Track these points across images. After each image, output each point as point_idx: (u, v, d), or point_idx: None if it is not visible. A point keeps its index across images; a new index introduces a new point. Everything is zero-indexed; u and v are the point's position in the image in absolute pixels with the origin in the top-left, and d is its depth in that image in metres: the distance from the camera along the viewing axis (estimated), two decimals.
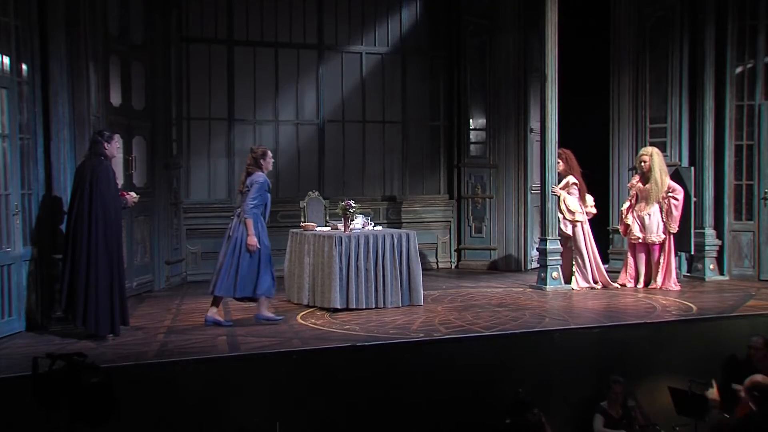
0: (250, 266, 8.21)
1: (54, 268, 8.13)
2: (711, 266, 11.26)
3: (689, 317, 8.61)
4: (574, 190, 10.62)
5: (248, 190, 8.29)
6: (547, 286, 10.38)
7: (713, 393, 6.84)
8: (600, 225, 11.87)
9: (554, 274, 10.45)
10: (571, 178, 10.64)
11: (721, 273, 11.33)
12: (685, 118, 11.41)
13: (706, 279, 11.15)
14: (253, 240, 8.17)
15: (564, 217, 10.55)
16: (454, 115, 13.35)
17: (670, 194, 10.37)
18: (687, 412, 6.97)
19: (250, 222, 8.19)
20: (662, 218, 10.38)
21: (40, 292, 8.15)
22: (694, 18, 11.35)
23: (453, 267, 13.22)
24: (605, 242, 11.88)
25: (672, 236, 10.46)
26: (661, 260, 10.45)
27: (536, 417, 6.88)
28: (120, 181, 9.83)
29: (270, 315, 8.46)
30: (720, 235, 11.35)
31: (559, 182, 10.62)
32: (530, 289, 10.54)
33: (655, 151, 10.57)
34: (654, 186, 10.37)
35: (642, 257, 10.58)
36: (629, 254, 10.68)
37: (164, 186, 10.97)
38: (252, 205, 8.21)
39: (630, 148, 11.74)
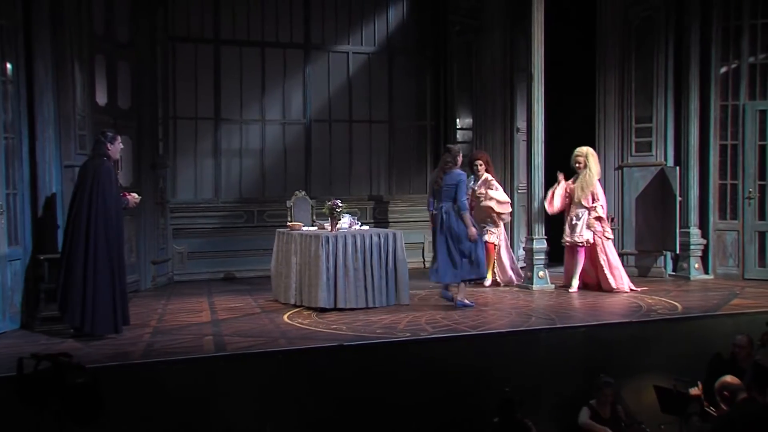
0: (464, 254, 9.05)
1: (40, 268, 8.13)
2: (696, 265, 11.31)
3: (674, 316, 8.64)
4: (496, 184, 10.81)
5: (449, 187, 9.06)
6: (534, 286, 10.40)
7: (697, 390, 6.88)
8: None
9: (540, 273, 10.47)
10: (488, 176, 10.83)
11: (706, 272, 11.39)
12: (670, 117, 11.46)
13: (691, 278, 11.20)
14: (473, 230, 9.05)
15: (498, 215, 10.72)
16: (441, 114, 13.37)
17: (595, 204, 10.23)
18: (672, 410, 7.00)
19: (467, 215, 9.07)
20: (591, 222, 10.25)
21: (26, 292, 8.12)
22: (679, 18, 11.40)
23: None
24: None
25: (605, 237, 10.31)
26: (602, 262, 10.29)
27: (520, 420, 6.89)
28: None
29: (467, 302, 9.17)
30: (705, 235, 11.41)
31: (477, 181, 10.81)
32: (516, 289, 10.56)
33: (590, 151, 10.44)
34: (581, 184, 10.22)
35: (572, 259, 10.44)
36: (565, 256, 10.58)
37: (150, 186, 10.93)
38: (464, 200, 9.12)
39: (616, 148, 11.78)
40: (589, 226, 10.25)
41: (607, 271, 10.26)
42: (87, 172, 7.72)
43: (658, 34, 11.47)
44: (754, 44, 11.17)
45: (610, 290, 10.18)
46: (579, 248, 10.30)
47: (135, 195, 8.27)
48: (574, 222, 10.30)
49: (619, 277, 10.29)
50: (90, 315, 7.51)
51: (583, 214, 10.26)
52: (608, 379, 7.49)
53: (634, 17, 11.65)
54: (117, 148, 7.97)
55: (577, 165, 10.37)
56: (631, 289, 10.19)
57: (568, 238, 10.35)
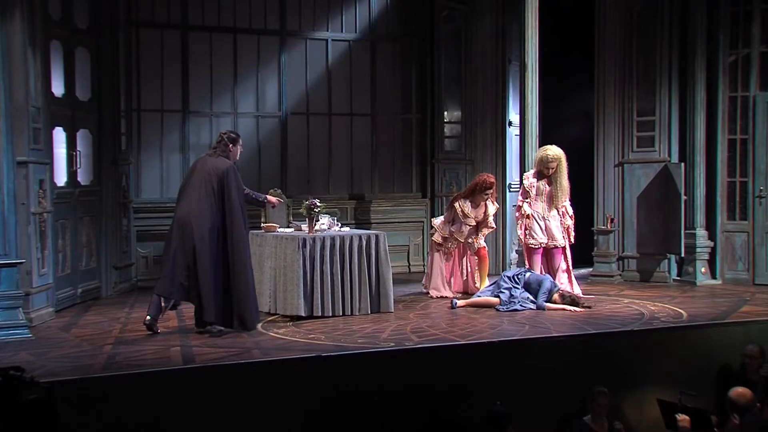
0: None
1: None
2: (702, 269, 11.34)
3: (679, 324, 8.66)
4: (491, 221, 10.78)
5: None
6: None
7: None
8: (585, 226, 11.92)
9: None
10: (490, 204, 10.76)
11: (714, 276, 11.43)
12: (674, 110, 11.49)
13: (697, 283, 11.23)
14: None
15: (488, 226, 10.71)
16: (427, 107, 13.37)
17: (567, 207, 10.33)
18: (677, 426, 7.00)
19: None
20: (561, 225, 10.33)
21: None
22: (684, 2, 11.42)
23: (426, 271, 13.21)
24: (590, 244, 11.88)
25: (568, 241, 10.41)
26: (564, 265, 10.35)
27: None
28: (63, 179, 9.78)
29: None
30: (712, 236, 11.45)
31: (477, 205, 10.72)
32: None
33: (563, 155, 10.34)
34: (559, 191, 10.25)
35: (539, 261, 10.40)
36: (527, 260, 10.51)
37: (112, 184, 10.86)
38: None
39: (616, 143, 11.79)
40: (563, 229, 10.33)
41: (564, 275, 10.31)
42: (206, 167, 8.27)
43: (662, 20, 11.48)
44: (765, 30, 11.19)
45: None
46: (554, 250, 10.33)
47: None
48: (546, 224, 10.31)
49: (576, 282, 10.38)
50: (250, 313, 8.28)
51: (555, 216, 10.32)
52: (601, 388, 7.45)
53: (635, 1, 11.67)
54: (237, 150, 8.55)
55: (549, 170, 10.27)
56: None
57: (542, 240, 10.30)
